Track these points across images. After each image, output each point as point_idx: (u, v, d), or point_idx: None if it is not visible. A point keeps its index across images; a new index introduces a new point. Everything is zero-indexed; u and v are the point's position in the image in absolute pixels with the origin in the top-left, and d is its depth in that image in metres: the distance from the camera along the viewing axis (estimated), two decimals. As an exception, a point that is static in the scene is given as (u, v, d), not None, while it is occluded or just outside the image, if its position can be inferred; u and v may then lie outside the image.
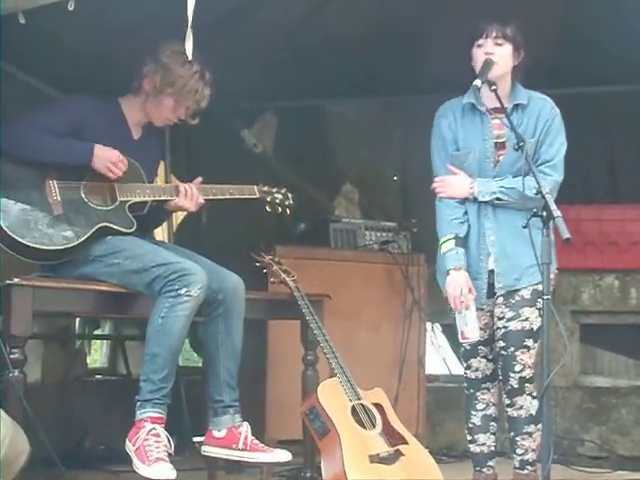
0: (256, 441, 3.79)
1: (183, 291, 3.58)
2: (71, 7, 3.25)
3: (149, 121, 4.06)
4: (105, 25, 4.03)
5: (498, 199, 3.89)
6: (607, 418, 5.88)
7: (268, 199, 4.22)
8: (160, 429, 3.56)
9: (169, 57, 3.89)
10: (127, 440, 3.58)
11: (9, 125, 3.73)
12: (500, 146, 3.95)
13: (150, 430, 3.53)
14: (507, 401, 3.95)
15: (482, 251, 3.96)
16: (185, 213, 6.53)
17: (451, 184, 3.97)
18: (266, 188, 4.22)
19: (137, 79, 3.97)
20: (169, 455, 3.51)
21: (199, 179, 4.04)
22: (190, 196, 3.95)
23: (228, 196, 4.08)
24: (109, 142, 3.84)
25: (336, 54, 5.34)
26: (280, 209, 4.25)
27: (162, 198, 3.98)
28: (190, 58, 3.27)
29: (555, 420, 5.68)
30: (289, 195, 4.28)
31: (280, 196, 4.25)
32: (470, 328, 3.87)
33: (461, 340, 3.94)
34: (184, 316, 3.59)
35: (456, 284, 3.89)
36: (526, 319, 3.87)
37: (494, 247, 3.94)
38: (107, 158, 3.76)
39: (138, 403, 3.60)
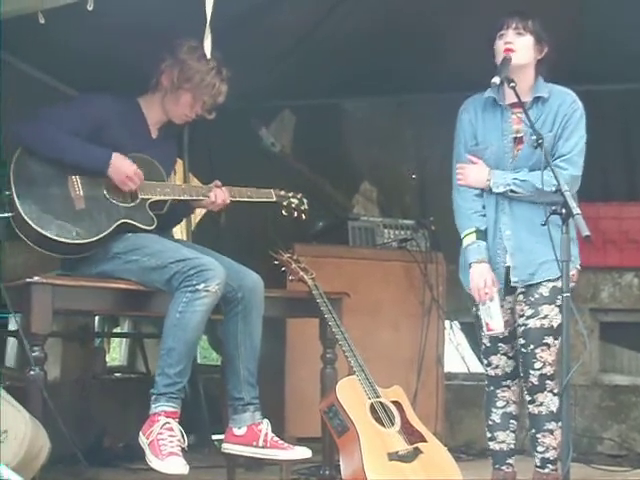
0: (276, 438, 3.80)
1: (201, 286, 3.59)
2: (90, 7, 3.25)
3: (168, 120, 4.08)
4: (123, 26, 4.04)
5: (512, 191, 3.89)
6: (626, 416, 5.86)
7: (284, 203, 4.28)
8: (174, 423, 3.57)
9: (186, 53, 3.92)
10: (141, 433, 3.59)
11: (31, 121, 3.74)
12: (518, 140, 3.95)
13: (164, 424, 3.54)
14: (528, 398, 3.94)
15: (498, 246, 3.96)
16: (203, 213, 6.59)
17: (470, 173, 3.97)
18: (283, 192, 4.28)
19: (155, 76, 4.00)
20: (182, 450, 3.52)
21: (218, 182, 4.07)
22: (221, 204, 4.03)
23: (246, 199, 4.13)
24: (128, 141, 3.87)
25: (351, 53, 5.34)
26: (296, 213, 4.31)
27: (182, 198, 4.02)
28: (209, 56, 3.28)
29: (574, 418, 5.66)
30: (304, 200, 4.34)
31: (296, 201, 4.31)
32: (495, 320, 3.87)
33: (486, 332, 3.93)
34: (202, 311, 3.60)
35: (480, 276, 3.89)
36: (545, 316, 3.86)
37: (510, 241, 3.94)
38: (123, 171, 3.78)
39: (153, 397, 3.61)
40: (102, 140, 3.81)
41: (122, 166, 3.78)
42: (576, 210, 3.29)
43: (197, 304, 3.59)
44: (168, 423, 3.55)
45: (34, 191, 3.66)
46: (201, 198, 4.05)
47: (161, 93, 4.00)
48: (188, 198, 4.03)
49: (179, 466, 3.45)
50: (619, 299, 6.04)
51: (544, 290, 3.88)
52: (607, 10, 5.02)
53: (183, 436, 3.57)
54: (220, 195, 4.02)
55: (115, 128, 3.85)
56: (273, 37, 4.97)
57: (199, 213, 6.64)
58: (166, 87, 3.97)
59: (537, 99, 3.93)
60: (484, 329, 3.93)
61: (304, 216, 4.33)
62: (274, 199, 4.23)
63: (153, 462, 3.48)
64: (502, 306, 3.95)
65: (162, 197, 3.93)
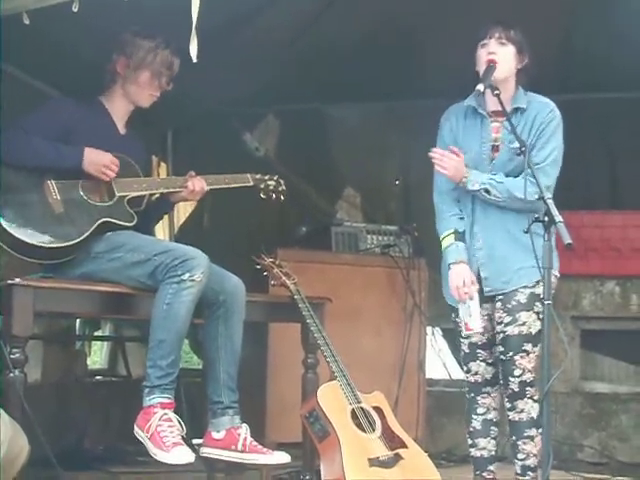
0: (255, 443, 3.79)
1: (186, 276, 3.61)
2: (75, 8, 3.24)
3: (135, 108, 4.09)
4: (108, 28, 4.04)
5: (486, 191, 3.89)
6: (607, 424, 5.88)
7: (261, 186, 4.30)
8: (171, 414, 3.58)
9: (131, 37, 3.98)
10: (136, 427, 3.59)
11: (3, 132, 3.73)
12: (496, 148, 3.96)
13: (162, 416, 3.55)
14: (508, 405, 3.95)
15: (473, 254, 3.97)
16: (187, 216, 6.59)
17: (450, 163, 3.91)
18: (259, 176, 4.30)
19: (109, 71, 4.03)
20: (183, 439, 3.54)
21: (192, 173, 4.09)
22: (199, 191, 4.05)
23: (224, 185, 4.15)
24: (97, 140, 3.87)
25: (336, 59, 5.35)
26: (274, 195, 4.33)
27: (160, 191, 4.07)
28: (195, 60, 3.27)
29: (555, 426, 5.67)
30: (281, 182, 4.37)
31: (273, 183, 4.33)
32: (474, 319, 3.87)
33: (465, 332, 3.93)
34: (189, 301, 3.62)
35: (458, 276, 3.90)
36: (523, 323, 3.87)
37: (481, 251, 3.95)
38: (98, 162, 3.79)
39: (146, 390, 3.61)
40: (71, 144, 3.82)
41: (96, 157, 3.79)
42: (558, 218, 3.30)
43: (184, 294, 3.60)
44: (166, 414, 3.57)
45: (12, 199, 3.64)
46: (178, 190, 4.06)
47: (120, 83, 4.02)
48: (165, 191, 4.05)
49: (185, 455, 3.48)
50: (600, 307, 6.07)
51: (521, 297, 3.90)
52: (593, 21, 5.05)
53: (181, 425, 3.59)
54: (198, 183, 4.04)
55: (82, 130, 3.86)
56: (259, 43, 4.97)
57: (183, 214, 6.65)
58: (124, 75, 4.00)
59: (516, 110, 3.94)
60: (463, 329, 3.93)
61: (282, 197, 4.35)
62: (251, 183, 4.24)
63: (158, 455, 3.50)
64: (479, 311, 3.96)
65: (139, 193, 3.95)
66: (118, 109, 4.06)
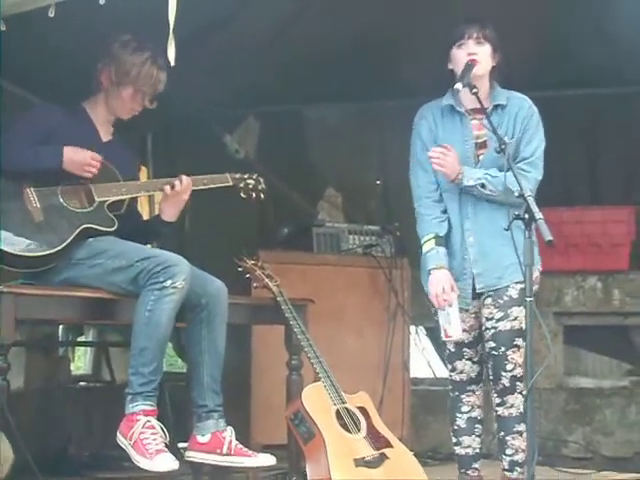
0: (240, 445, 3.78)
1: (168, 283, 3.60)
2: (52, 13, 3.24)
3: (116, 118, 4.08)
4: (88, 32, 4.03)
5: (482, 186, 3.88)
6: (591, 419, 5.91)
7: (241, 185, 4.23)
8: (154, 421, 3.58)
9: (119, 48, 3.94)
10: (119, 435, 3.58)
11: None
12: (481, 145, 3.96)
13: (145, 423, 3.54)
14: (497, 400, 3.94)
15: (465, 252, 3.96)
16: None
17: (447, 160, 3.89)
18: (238, 175, 4.23)
19: (94, 78, 4.00)
20: (166, 446, 3.53)
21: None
22: (187, 184, 3.98)
23: (202, 186, 4.09)
24: (78, 146, 3.84)
25: (314, 61, 5.36)
26: (254, 194, 4.25)
27: (140, 194, 4.06)
28: (173, 64, 3.26)
29: (539, 421, 5.69)
30: (261, 180, 4.29)
31: (252, 181, 4.25)
32: (453, 326, 3.87)
33: (444, 338, 3.94)
34: (170, 308, 3.61)
35: (438, 282, 3.89)
36: (515, 318, 3.87)
37: (473, 248, 3.95)
38: (79, 161, 3.77)
39: (129, 397, 3.60)
40: None
41: (76, 155, 3.77)
42: (539, 215, 3.30)
43: (165, 301, 3.59)
44: (149, 421, 3.56)
45: None
46: (154, 192, 4.07)
47: (103, 93, 4.01)
48: (145, 194, 4.03)
49: (169, 462, 3.47)
50: (583, 302, 6.09)
51: (513, 292, 3.90)
52: (568, 18, 5.07)
53: (164, 432, 3.58)
54: (184, 180, 3.97)
55: (63, 137, 3.83)
56: (237, 45, 4.97)
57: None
58: (107, 86, 3.98)
59: (496, 107, 3.95)
60: (442, 335, 3.94)
61: (262, 195, 4.28)
62: (230, 183, 4.18)
63: (141, 462, 3.49)
64: (467, 310, 3.96)
65: (119, 197, 3.92)
66: (100, 117, 4.04)
